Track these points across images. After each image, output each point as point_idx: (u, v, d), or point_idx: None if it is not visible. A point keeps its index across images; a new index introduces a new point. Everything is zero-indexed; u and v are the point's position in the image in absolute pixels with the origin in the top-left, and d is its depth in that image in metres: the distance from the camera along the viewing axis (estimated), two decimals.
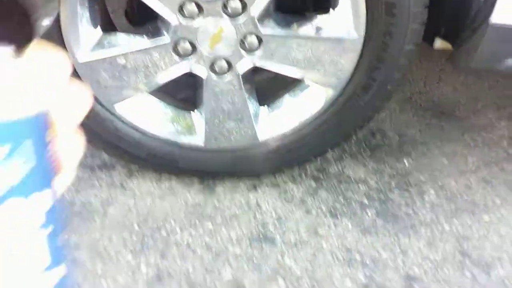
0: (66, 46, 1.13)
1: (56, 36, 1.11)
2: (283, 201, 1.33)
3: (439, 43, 1.30)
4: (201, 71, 1.20)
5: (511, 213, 1.30)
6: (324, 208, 1.31)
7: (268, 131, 1.29)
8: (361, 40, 1.15)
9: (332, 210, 1.31)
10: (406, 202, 1.34)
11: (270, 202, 1.33)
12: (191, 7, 1.11)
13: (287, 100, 1.30)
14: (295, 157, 1.34)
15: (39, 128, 0.33)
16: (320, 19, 1.19)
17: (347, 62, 1.19)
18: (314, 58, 1.19)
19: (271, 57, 1.19)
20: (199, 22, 1.12)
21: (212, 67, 1.20)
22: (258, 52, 1.18)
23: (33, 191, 0.32)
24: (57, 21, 1.10)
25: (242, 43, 1.16)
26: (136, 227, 1.27)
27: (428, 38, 1.27)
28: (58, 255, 0.34)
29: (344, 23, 1.15)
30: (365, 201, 1.34)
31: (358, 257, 1.19)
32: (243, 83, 1.22)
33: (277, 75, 1.25)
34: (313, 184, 1.38)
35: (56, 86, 0.31)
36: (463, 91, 1.73)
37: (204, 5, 1.10)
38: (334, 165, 1.44)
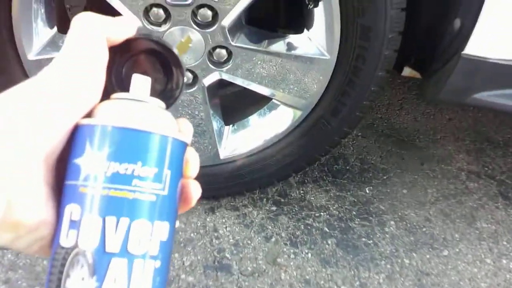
0: (17, 43, 1.01)
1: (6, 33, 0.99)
2: (242, 226, 1.25)
3: (407, 71, 1.28)
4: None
5: (469, 248, 1.29)
6: (284, 235, 1.24)
7: (231, 150, 1.22)
8: (333, 61, 1.11)
9: (292, 237, 1.24)
10: (366, 232, 1.30)
11: (228, 226, 1.24)
12: (158, 12, 1.02)
13: (254, 120, 1.23)
14: (257, 179, 1.27)
15: (180, 159, 0.37)
16: (293, 38, 1.14)
17: (317, 83, 1.14)
18: (283, 77, 1.13)
19: (239, 72, 1.12)
20: (165, 28, 1.04)
21: None
22: (226, 66, 1.10)
23: (157, 219, 0.34)
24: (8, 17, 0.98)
25: (210, 54, 1.08)
26: None
27: (397, 65, 1.25)
28: None
29: (317, 43, 1.11)
30: (326, 229, 1.29)
31: None
32: (208, 97, 1.14)
33: (243, 94, 1.18)
34: (274, 208, 1.31)
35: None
36: (423, 121, 1.74)
37: (172, 11, 1.02)
38: (296, 190, 1.38)
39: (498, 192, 1.49)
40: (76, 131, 0.34)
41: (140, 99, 0.36)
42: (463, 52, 1.06)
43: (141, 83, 0.37)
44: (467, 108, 1.79)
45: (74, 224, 0.32)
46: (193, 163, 0.39)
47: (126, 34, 0.38)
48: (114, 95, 0.37)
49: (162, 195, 0.34)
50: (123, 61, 0.40)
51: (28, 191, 0.32)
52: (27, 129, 0.32)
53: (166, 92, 0.41)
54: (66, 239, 0.32)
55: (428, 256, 1.26)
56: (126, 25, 0.38)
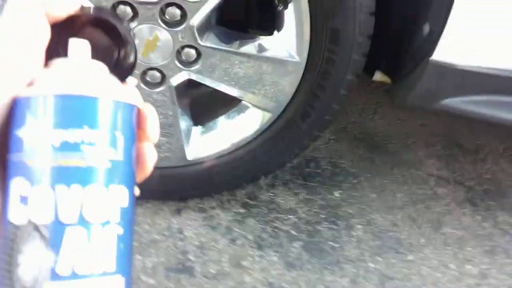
0: None
1: None
2: (208, 228, 1.24)
3: (378, 76, 1.28)
4: (131, 79, 1.09)
5: (434, 253, 1.30)
6: (250, 238, 1.23)
7: (199, 151, 1.20)
8: (303, 64, 1.10)
9: (259, 240, 1.24)
10: (333, 235, 1.30)
11: (193, 228, 1.23)
12: (125, 10, 1.00)
13: (222, 122, 1.22)
14: (226, 181, 1.26)
15: (129, 123, 0.35)
16: (263, 40, 1.13)
17: (287, 86, 1.13)
18: (253, 78, 1.12)
19: (208, 72, 1.10)
20: (132, 26, 1.02)
21: (143, 77, 1.09)
22: (195, 66, 1.09)
23: (113, 183, 0.33)
24: None
25: (178, 54, 1.07)
26: None
27: (368, 70, 1.25)
28: (123, 264, 0.32)
29: (287, 46, 1.10)
30: (293, 232, 1.28)
31: None
32: (177, 97, 1.12)
33: (213, 95, 1.16)
34: (242, 211, 1.30)
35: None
36: (396, 126, 1.75)
37: (139, 9, 1.00)
38: (266, 192, 1.37)
39: (466, 198, 1.50)
40: (14, 104, 0.33)
41: (79, 63, 0.35)
42: (431, 58, 1.07)
43: (79, 46, 0.36)
44: (440, 114, 1.80)
45: (22, 199, 0.31)
46: (150, 122, 0.38)
47: (68, 10, 0.36)
48: (52, 62, 0.35)
49: (116, 160, 0.33)
50: (67, 40, 0.37)
51: None
52: None
53: (120, 61, 0.40)
54: (15, 215, 0.31)
55: (393, 261, 1.27)
56: (68, 0, 0.36)
